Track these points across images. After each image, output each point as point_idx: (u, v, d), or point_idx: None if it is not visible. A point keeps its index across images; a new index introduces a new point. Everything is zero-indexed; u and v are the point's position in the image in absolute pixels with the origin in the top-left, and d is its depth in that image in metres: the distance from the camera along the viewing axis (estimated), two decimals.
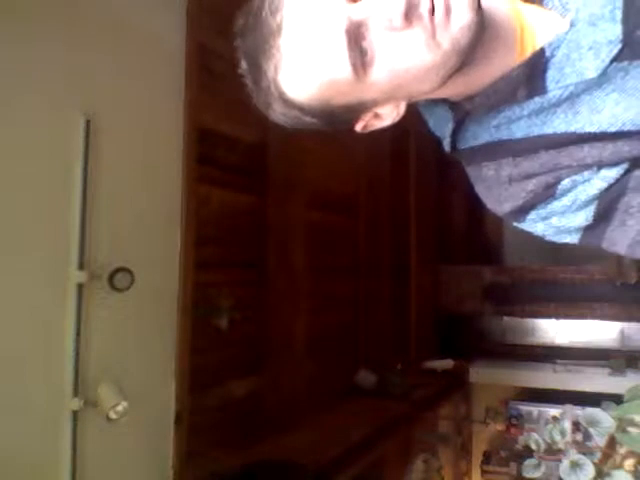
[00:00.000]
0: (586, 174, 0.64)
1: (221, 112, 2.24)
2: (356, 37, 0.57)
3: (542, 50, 0.63)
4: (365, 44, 0.57)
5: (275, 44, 0.59)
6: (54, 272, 1.63)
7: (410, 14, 0.55)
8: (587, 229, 0.67)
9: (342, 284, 3.28)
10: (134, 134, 1.88)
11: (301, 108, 0.63)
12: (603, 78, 0.61)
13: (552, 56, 0.63)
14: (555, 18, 0.64)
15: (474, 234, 4.86)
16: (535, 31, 0.65)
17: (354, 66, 0.58)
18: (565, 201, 0.66)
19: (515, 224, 0.72)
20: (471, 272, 4.67)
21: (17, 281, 1.54)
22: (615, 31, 0.60)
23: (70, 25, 1.67)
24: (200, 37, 2.12)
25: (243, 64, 0.63)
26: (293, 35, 0.58)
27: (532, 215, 0.69)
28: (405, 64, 0.58)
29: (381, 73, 0.59)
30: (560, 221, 0.68)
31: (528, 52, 0.64)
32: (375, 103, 0.64)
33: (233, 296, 2.33)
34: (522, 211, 0.69)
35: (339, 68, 0.58)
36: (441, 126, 0.72)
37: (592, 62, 0.61)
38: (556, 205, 0.67)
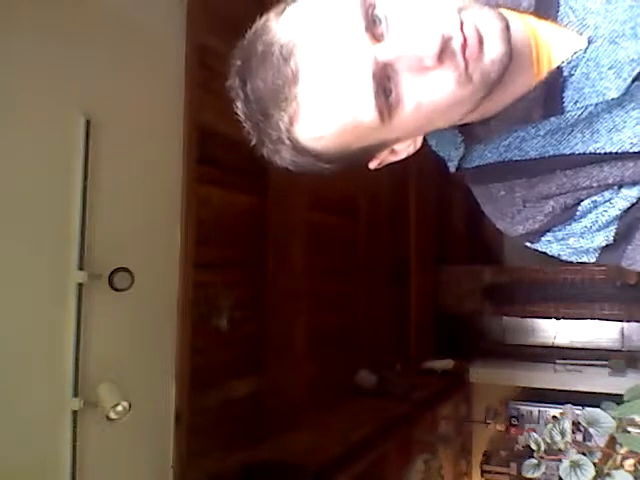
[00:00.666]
0: (607, 194, 0.62)
1: (221, 112, 2.23)
2: (382, 80, 0.53)
3: (559, 69, 0.60)
4: (391, 86, 0.53)
5: (291, 94, 0.54)
6: (54, 272, 1.63)
7: (443, 52, 0.51)
8: (606, 249, 0.64)
9: (342, 284, 3.28)
10: (134, 134, 1.88)
11: (317, 155, 0.59)
12: (624, 96, 0.58)
13: (570, 75, 0.59)
14: (571, 35, 0.61)
15: (474, 234, 4.86)
16: (551, 49, 0.61)
17: (380, 111, 0.53)
18: (585, 222, 0.64)
19: (528, 244, 0.70)
20: (471, 272, 4.66)
21: (17, 281, 1.54)
22: (637, 49, 0.57)
23: (70, 25, 1.67)
24: (200, 37, 2.12)
25: (241, 107, 0.58)
26: (312, 84, 0.53)
27: (548, 237, 0.67)
28: (433, 103, 0.54)
29: (407, 115, 0.55)
30: (578, 242, 0.65)
31: (544, 71, 0.61)
32: (395, 142, 0.61)
33: (233, 296, 2.33)
34: (537, 233, 0.67)
35: (364, 114, 0.54)
36: (446, 148, 0.69)
37: (613, 82, 0.58)
38: (575, 227, 0.64)
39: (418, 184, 4.25)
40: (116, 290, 1.73)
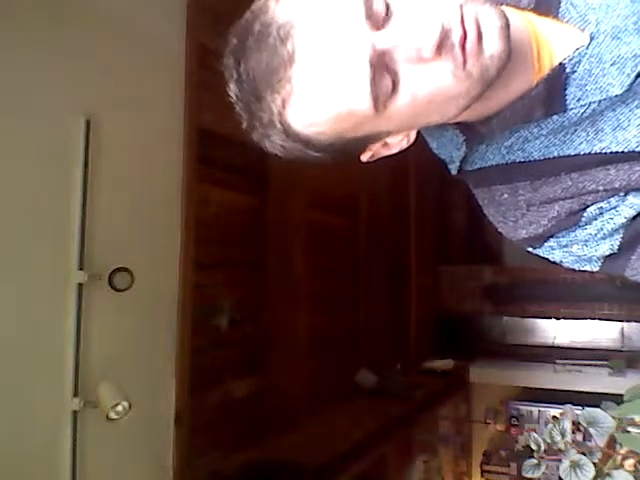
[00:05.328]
0: (613, 201, 0.60)
1: (221, 112, 2.23)
2: (379, 68, 0.52)
3: (562, 66, 0.59)
4: (388, 75, 0.52)
5: (285, 75, 0.52)
6: (54, 272, 1.63)
7: (442, 44, 0.50)
8: (609, 258, 0.63)
9: (342, 284, 3.28)
10: (134, 134, 1.88)
11: (307, 142, 0.57)
12: (628, 93, 0.57)
13: (572, 72, 0.58)
14: (573, 31, 0.60)
15: (474, 234, 4.85)
16: (552, 46, 0.60)
17: (375, 99, 0.52)
18: (590, 230, 0.62)
19: (530, 250, 0.68)
20: (471, 272, 4.67)
21: (17, 281, 1.54)
22: None
23: (70, 26, 1.67)
24: (200, 37, 2.12)
25: (234, 89, 0.57)
26: (308, 66, 0.52)
27: (551, 242, 0.65)
28: (429, 96, 0.53)
29: (402, 105, 0.54)
30: (582, 250, 0.63)
31: (546, 69, 0.59)
32: (388, 134, 0.60)
33: (233, 296, 2.33)
34: (540, 238, 0.65)
35: (359, 101, 0.53)
36: (448, 149, 0.67)
37: (616, 78, 0.57)
38: (579, 234, 0.63)
39: (418, 184, 4.25)
40: (116, 290, 1.74)
